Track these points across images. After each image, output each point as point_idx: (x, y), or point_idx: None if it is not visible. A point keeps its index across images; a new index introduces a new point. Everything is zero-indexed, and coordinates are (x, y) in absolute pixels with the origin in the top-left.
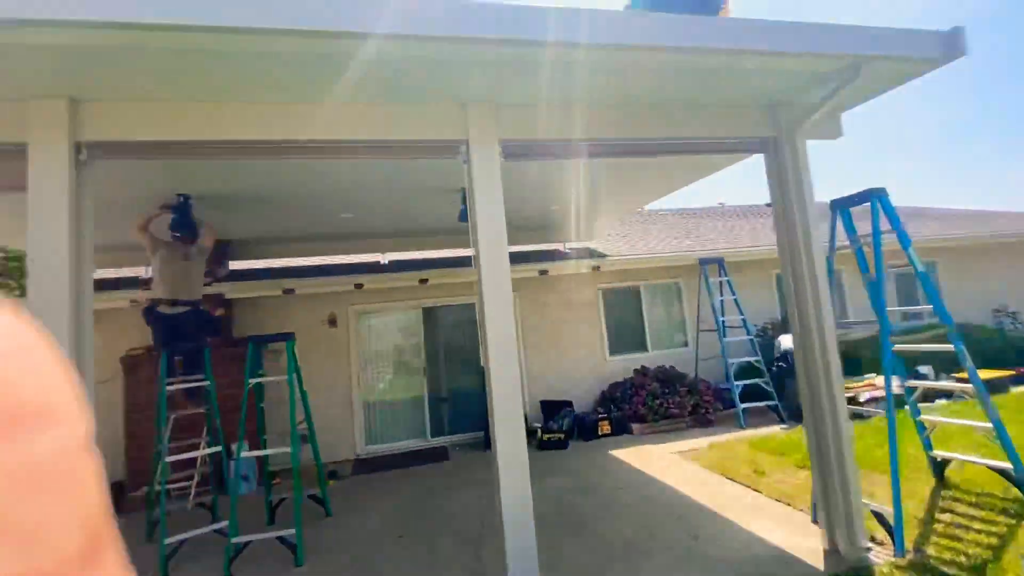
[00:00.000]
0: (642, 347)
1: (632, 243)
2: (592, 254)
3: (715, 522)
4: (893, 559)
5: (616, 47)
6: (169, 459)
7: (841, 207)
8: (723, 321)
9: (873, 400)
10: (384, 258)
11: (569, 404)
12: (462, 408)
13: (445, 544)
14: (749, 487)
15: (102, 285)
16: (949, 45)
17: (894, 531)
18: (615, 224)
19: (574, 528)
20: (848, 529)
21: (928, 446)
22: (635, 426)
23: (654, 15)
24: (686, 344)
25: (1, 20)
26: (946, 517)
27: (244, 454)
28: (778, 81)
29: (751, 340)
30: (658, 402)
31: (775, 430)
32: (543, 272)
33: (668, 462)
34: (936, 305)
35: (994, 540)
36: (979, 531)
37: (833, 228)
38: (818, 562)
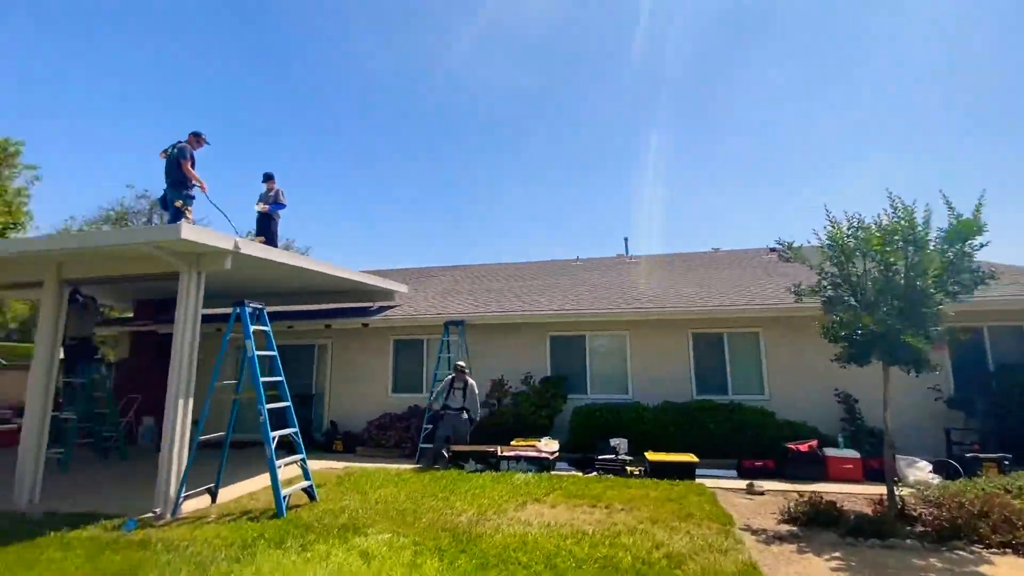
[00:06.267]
0: (418, 389)
1: (423, 302)
2: (368, 312)
3: None
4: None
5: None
6: None
7: (237, 306)
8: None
9: (515, 458)
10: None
11: (334, 425)
12: None
13: None
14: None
15: None
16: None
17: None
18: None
19: None
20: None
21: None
22: (359, 448)
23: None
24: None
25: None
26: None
27: None
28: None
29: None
30: (377, 433)
31: (399, 468)
32: (328, 327)
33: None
34: (256, 383)
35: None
36: None
37: (232, 320)
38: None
